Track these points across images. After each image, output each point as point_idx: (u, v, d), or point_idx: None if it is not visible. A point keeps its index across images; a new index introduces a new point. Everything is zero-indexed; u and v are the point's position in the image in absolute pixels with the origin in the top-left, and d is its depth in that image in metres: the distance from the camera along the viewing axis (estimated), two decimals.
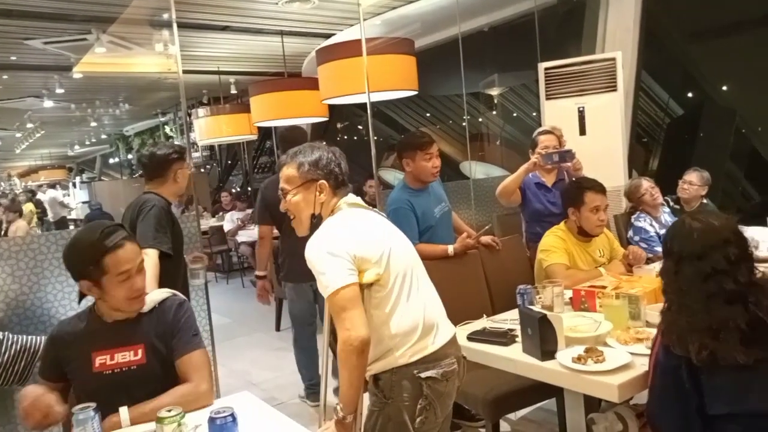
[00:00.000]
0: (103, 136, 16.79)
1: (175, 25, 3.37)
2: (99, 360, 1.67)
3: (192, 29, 6.30)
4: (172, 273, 2.52)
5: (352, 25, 6.77)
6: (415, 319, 1.66)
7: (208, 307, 3.14)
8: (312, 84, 5.01)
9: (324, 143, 1.82)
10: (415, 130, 3.55)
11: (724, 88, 6.08)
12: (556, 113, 4.45)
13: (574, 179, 3.15)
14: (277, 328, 5.22)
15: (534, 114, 4.94)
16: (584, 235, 2.82)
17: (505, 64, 7.17)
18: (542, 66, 4.61)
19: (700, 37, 5.82)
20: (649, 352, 1.78)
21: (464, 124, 7.12)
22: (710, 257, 1.48)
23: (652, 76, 5.70)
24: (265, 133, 8.84)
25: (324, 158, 1.75)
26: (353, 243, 1.62)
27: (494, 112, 8.05)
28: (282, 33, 6.91)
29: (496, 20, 6.18)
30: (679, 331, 1.49)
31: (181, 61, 3.48)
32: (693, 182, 3.79)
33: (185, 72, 4.52)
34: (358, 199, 1.80)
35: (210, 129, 6.80)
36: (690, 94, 6.48)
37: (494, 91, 7.82)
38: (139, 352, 1.70)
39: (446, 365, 1.67)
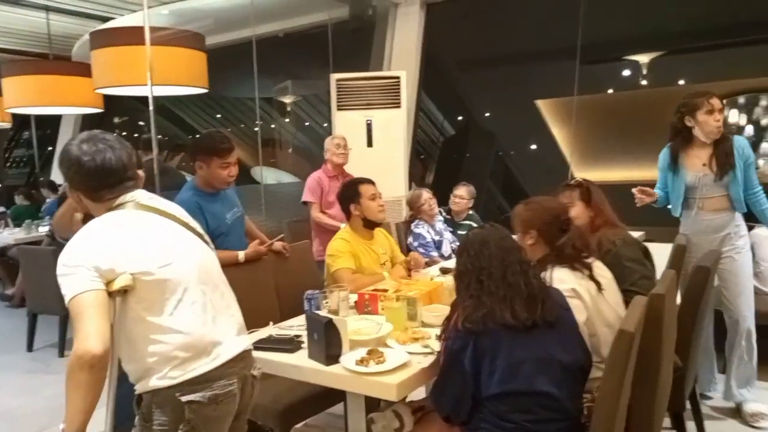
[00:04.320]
0: None
1: None
2: None
3: None
4: None
5: (134, 11, 6.20)
6: (188, 337, 1.50)
7: None
8: (83, 70, 4.46)
9: (80, 140, 1.56)
10: (214, 132, 3.34)
11: (487, 114, 6.96)
12: (346, 124, 4.62)
13: (342, 183, 3.28)
14: (29, 348, 4.50)
15: (325, 124, 5.07)
16: (369, 228, 2.96)
17: (299, 73, 7.25)
18: (334, 77, 4.75)
19: (468, 68, 6.58)
20: (424, 350, 1.91)
21: (256, 129, 7.00)
22: (505, 244, 1.79)
23: (429, 98, 6.26)
24: (22, 121, 7.61)
25: (73, 168, 1.53)
26: (102, 253, 1.44)
27: (287, 120, 8.07)
28: (47, 9, 6.03)
29: (291, 27, 6.21)
30: (488, 307, 1.67)
31: None
32: (463, 196, 4.23)
33: None
34: (146, 197, 1.60)
35: None
36: (460, 117, 7.29)
37: (288, 99, 7.84)
38: None
39: (219, 387, 1.54)
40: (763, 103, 5.00)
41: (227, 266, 2.44)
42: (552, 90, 5.95)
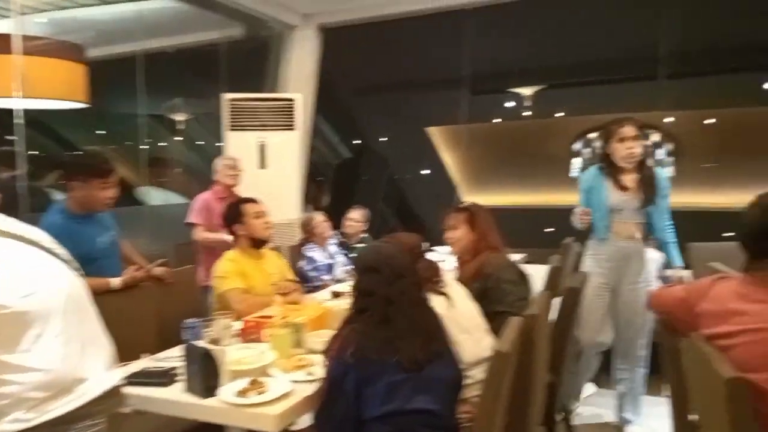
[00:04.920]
0: None
1: None
2: None
3: None
4: None
5: (3, 17, 5.71)
6: (44, 375, 1.37)
7: None
8: None
9: None
10: (93, 151, 3.12)
11: (382, 138, 7.12)
12: (239, 145, 4.52)
13: (226, 205, 3.16)
14: None
15: (218, 144, 4.93)
16: (256, 246, 2.90)
17: (191, 91, 7.01)
18: (226, 97, 4.64)
19: (362, 93, 6.71)
20: (309, 378, 1.88)
21: (142, 146, 6.64)
22: (413, 276, 1.79)
23: (325, 120, 6.30)
24: None
25: None
26: None
27: (179, 138, 7.74)
28: None
29: (182, 43, 6.01)
30: (386, 342, 1.65)
31: None
32: (357, 219, 4.27)
33: None
34: (5, 223, 1.46)
35: None
36: (356, 141, 7.39)
37: (178, 117, 7.54)
38: None
39: (84, 428, 1.42)
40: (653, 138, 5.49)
41: (99, 294, 2.28)
42: (443, 117, 6.20)
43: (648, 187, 2.84)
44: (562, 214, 3.12)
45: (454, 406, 1.79)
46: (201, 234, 3.73)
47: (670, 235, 2.92)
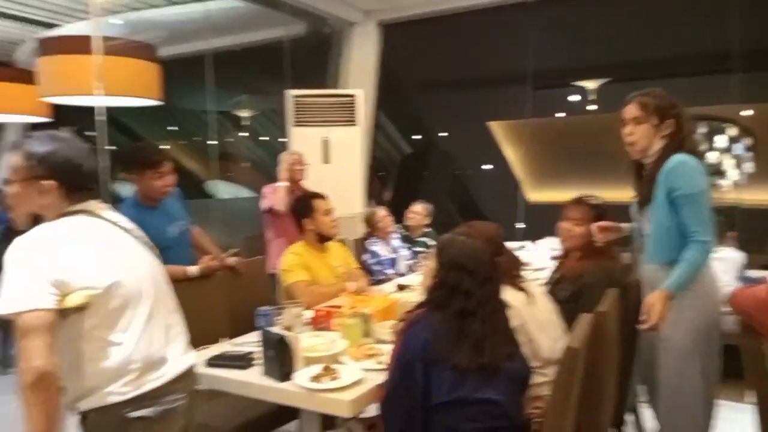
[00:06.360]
0: None
1: None
2: None
3: None
4: None
5: (82, 19, 6.05)
6: (137, 352, 1.48)
7: None
8: (26, 77, 4.31)
9: (69, 134, 1.53)
10: (144, 144, 3.28)
11: (443, 134, 7.10)
12: (303, 140, 4.61)
13: (294, 198, 3.26)
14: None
15: (281, 139, 5.06)
16: (322, 241, 2.96)
17: (256, 87, 7.20)
18: (290, 93, 4.74)
19: (425, 88, 6.71)
20: (379, 367, 1.92)
21: (210, 142, 6.90)
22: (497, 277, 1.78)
23: (387, 116, 6.34)
24: None
25: (59, 154, 1.47)
26: (62, 262, 1.38)
27: (245, 134, 8.00)
28: None
29: (247, 42, 6.19)
30: (458, 336, 1.65)
31: None
32: (418, 212, 4.29)
33: None
34: (102, 207, 1.56)
35: None
36: (418, 136, 7.40)
37: (244, 113, 7.78)
38: None
39: (168, 402, 1.52)
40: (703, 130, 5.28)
41: (176, 281, 2.40)
42: (505, 112, 6.12)
43: (647, 184, 2.13)
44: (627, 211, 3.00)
45: (520, 400, 1.79)
46: (277, 203, 3.69)
47: (690, 248, 2.03)
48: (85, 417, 1.46)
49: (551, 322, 2.07)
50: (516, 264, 2.14)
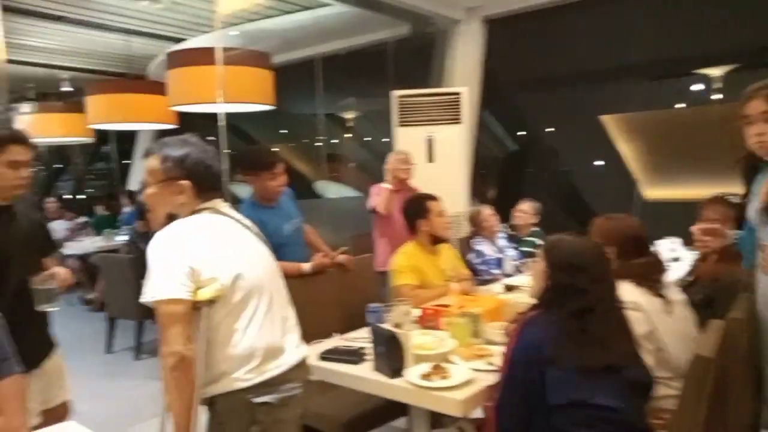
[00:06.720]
0: None
1: None
2: None
3: (17, 14, 5.59)
4: None
5: (205, 32, 6.52)
6: (259, 342, 1.58)
7: None
8: (158, 88, 4.72)
9: (197, 138, 1.68)
10: (258, 147, 3.49)
11: (549, 129, 6.87)
12: (407, 140, 4.66)
13: (408, 199, 3.28)
14: (108, 350, 4.74)
15: (385, 140, 5.15)
16: (434, 243, 2.98)
17: (361, 89, 7.38)
18: (395, 94, 4.81)
19: (529, 84, 6.53)
20: (489, 368, 1.90)
21: (319, 144, 7.18)
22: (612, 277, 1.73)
23: (491, 113, 6.24)
24: (101, 137, 8.11)
25: (192, 156, 1.61)
26: (194, 256, 1.51)
27: (349, 135, 8.23)
28: (127, 31, 6.44)
29: (353, 45, 6.36)
30: (575, 337, 1.61)
31: (4, 47, 3.07)
32: (525, 210, 4.18)
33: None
34: (225, 206, 1.69)
35: (38, 127, 6.05)
36: (521, 133, 7.21)
37: (349, 115, 8.00)
38: None
39: (286, 390, 1.61)
40: None
41: (290, 277, 2.53)
42: (617, 106, 5.81)
43: None
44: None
45: (641, 409, 1.70)
46: (379, 205, 3.86)
47: None
48: (213, 402, 1.59)
49: (688, 332, 1.93)
50: (658, 267, 2.03)
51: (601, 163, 6.54)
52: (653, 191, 5.30)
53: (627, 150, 5.74)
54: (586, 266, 1.68)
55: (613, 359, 1.60)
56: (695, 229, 2.20)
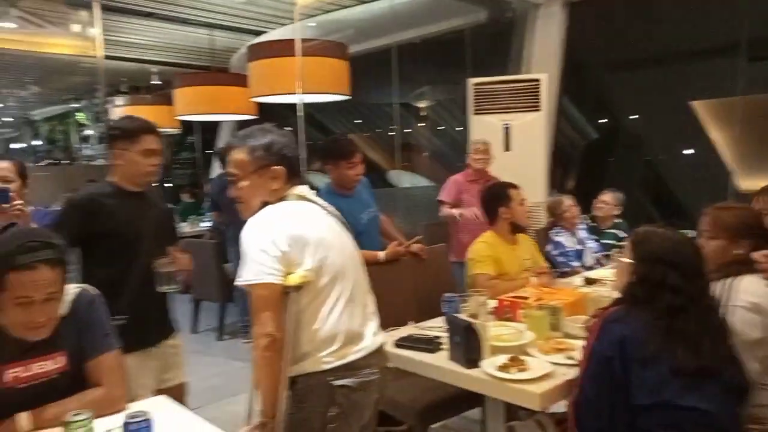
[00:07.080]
0: (6, 119, 15.50)
1: (98, 6, 3.17)
2: (11, 374, 1.49)
3: (112, 12, 5.96)
4: (113, 279, 2.00)
5: (284, 25, 6.68)
6: (340, 326, 1.62)
7: None
8: (240, 80, 4.89)
9: (274, 126, 1.72)
10: (337, 136, 3.56)
11: (633, 117, 6.52)
12: (483, 128, 4.59)
13: (488, 186, 3.23)
14: (193, 331, 5.00)
15: (459, 129, 5.08)
16: (514, 232, 2.94)
17: (436, 78, 7.31)
18: (471, 82, 4.74)
19: (613, 68, 6.22)
20: (569, 362, 1.85)
21: (392, 134, 7.18)
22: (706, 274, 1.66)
23: (570, 100, 6.01)
24: (188, 127, 8.52)
25: (277, 143, 1.66)
26: (285, 240, 1.55)
27: (423, 124, 8.19)
28: (211, 25, 6.70)
29: (428, 33, 6.30)
30: (665, 335, 1.54)
31: (103, 45, 3.28)
32: (607, 201, 4.01)
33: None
34: (310, 192, 1.74)
35: None
36: (603, 120, 6.90)
37: (423, 104, 7.95)
38: (61, 359, 1.55)
39: (365, 375, 1.64)
40: None
41: (367, 265, 2.56)
42: (710, 90, 5.42)
43: None
44: None
45: (734, 414, 1.60)
46: (444, 210, 3.98)
47: None
48: (294, 382, 1.63)
49: None
50: None
51: (691, 151, 6.14)
52: (751, 182, 4.92)
53: (720, 138, 5.35)
54: (679, 262, 1.59)
55: (706, 361, 1.51)
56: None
